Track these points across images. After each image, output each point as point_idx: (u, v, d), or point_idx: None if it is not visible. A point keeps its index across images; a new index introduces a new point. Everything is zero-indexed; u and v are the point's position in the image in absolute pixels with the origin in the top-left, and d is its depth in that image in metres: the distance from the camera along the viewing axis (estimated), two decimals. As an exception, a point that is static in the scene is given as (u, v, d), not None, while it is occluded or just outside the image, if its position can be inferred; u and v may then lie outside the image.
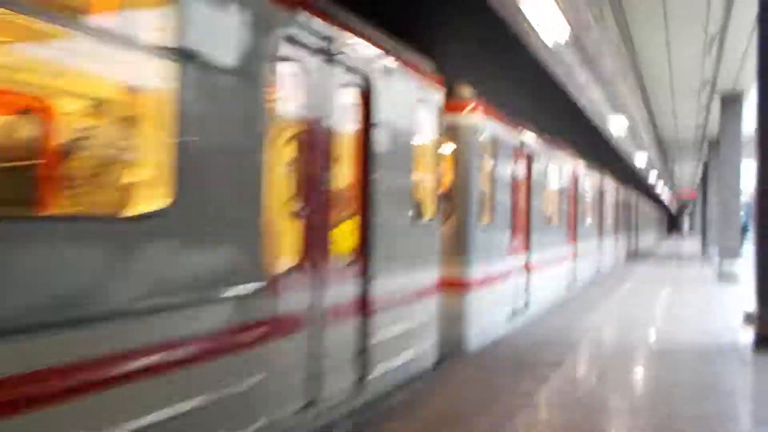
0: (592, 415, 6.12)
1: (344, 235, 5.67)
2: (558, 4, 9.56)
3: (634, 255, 34.06)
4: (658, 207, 67.19)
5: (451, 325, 8.20)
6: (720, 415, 6.10)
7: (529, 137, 11.83)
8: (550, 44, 10.56)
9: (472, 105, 9.10)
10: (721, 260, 20.17)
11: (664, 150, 36.65)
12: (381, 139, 6.07)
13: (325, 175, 5.23)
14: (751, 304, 9.54)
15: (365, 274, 5.79)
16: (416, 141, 7.00)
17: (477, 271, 8.94)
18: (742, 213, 22.01)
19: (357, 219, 5.83)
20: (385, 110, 6.10)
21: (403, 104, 6.68)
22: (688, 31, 14.69)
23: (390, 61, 6.33)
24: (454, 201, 8.79)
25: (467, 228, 8.83)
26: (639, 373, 8.12)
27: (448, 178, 8.78)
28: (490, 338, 9.41)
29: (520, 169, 11.38)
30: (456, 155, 8.93)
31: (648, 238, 50.48)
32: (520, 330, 10.46)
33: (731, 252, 20.11)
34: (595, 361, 8.86)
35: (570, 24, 10.54)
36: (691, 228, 77.49)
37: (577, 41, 10.98)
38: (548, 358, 8.28)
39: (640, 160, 29.55)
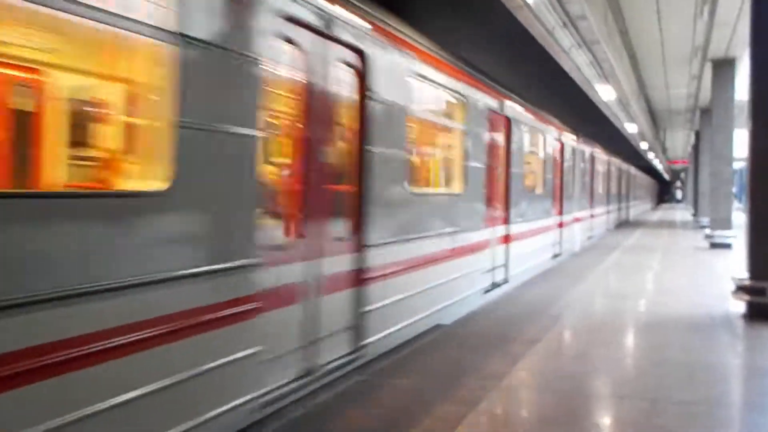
0: (566, 402, 5.62)
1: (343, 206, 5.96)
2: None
3: (625, 224, 33.75)
4: (650, 176, 66.90)
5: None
6: (709, 400, 5.59)
7: (508, 101, 11.25)
8: (530, 2, 9.94)
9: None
10: (713, 229, 19.75)
11: (655, 119, 36.14)
12: (376, 113, 6.39)
13: (322, 148, 5.52)
14: (742, 274, 9.06)
15: (361, 246, 6.11)
16: (408, 113, 7.22)
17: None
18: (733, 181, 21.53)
19: (354, 191, 6.12)
20: (380, 84, 6.42)
21: (397, 79, 6.91)
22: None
23: (383, 35, 6.59)
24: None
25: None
26: (623, 350, 7.58)
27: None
28: (466, 311, 9.11)
29: (498, 136, 10.81)
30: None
31: (640, 207, 50.28)
32: (500, 302, 9.98)
33: (723, 220, 19.70)
34: (576, 337, 8.37)
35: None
36: (684, 197, 77.23)
37: (560, 3, 10.37)
38: (525, 334, 7.78)
39: (630, 129, 28.97)
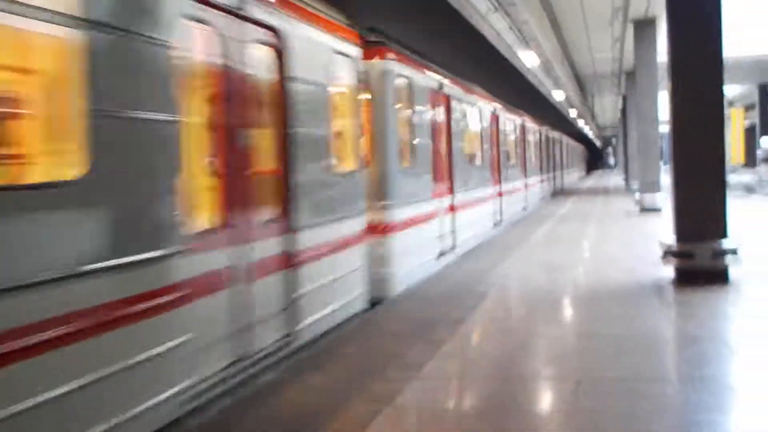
0: (487, 389, 5.24)
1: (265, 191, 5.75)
2: None
3: (560, 192, 33.94)
4: (582, 143, 67.78)
5: (377, 269, 8.27)
6: (640, 376, 5.28)
7: (446, 81, 11.78)
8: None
9: (382, 50, 8.88)
10: (642, 193, 19.78)
11: (582, 85, 36.29)
12: (297, 93, 6.13)
13: (243, 133, 5.35)
14: (670, 238, 8.83)
15: (288, 229, 5.94)
16: (333, 92, 7.11)
17: (398, 214, 8.93)
18: (661, 144, 21.61)
19: (278, 174, 5.96)
20: (299, 64, 6.15)
21: (317, 57, 6.71)
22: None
23: (301, 14, 6.35)
24: (373, 147, 8.74)
25: (386, 173, 8.78)
26: (553, 325, 7.20)
27: (367, 126, 8.61)
28: (416, 280, 9.42)
29: (439, 113, 11.39)
30: (372, 102, 8.74)
31: (574, 175, 50.81)
32: (429, 281, 9.60)
33: (652, 184, 19.73)
34: (503, 314, 8.04)
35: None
36: (616, 162, 78.52)
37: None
38: (451, 316, 7.37)
39: (557, 97, 28.93)
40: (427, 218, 10.22)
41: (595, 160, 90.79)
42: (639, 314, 7.24)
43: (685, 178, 8.65)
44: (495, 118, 16.66)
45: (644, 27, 20.01)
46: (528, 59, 17.64)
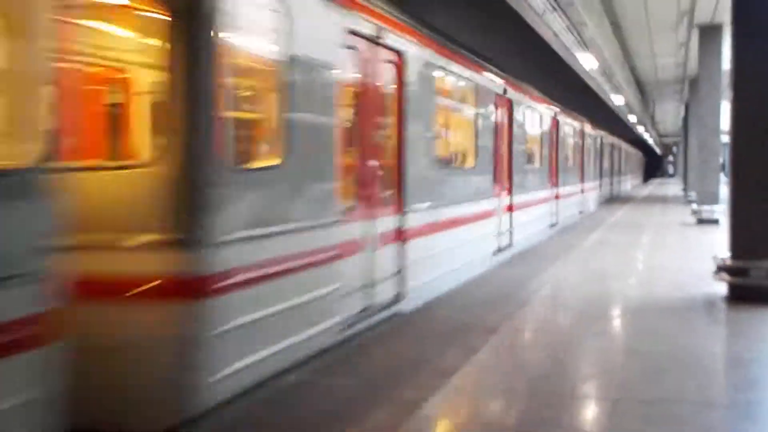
0: (516, 404, 5.02)
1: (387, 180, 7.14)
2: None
3: (616, 198, 33.22)
4: (642, 150, 66.33)
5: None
6: (686, 398, 4.98)
7: (511, 87, 12.18)
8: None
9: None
10: (700, 204, 19.14)
11: (643, 90, 35.43)
12: (410, 102, 7.48)
13: (376, 133, 6.90)
14: (724, 252, 8.44)
15: (402, 211, 7.38)
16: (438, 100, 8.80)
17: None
18: (721, 155, 20.88)
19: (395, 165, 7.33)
20: (413, 78, 7.69)
21: (424, 72, 8.04)
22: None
23: (417, 38, 7.86)
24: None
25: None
26: (595, 339, 6.89)
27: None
28: (478, 273, 10.04)
29: (503, 116, 11.83)
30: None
31: (631, 182, 49.72)
32: (474, 284, 9.40)
33: (710, 195, 19.08)
34: (544, 324, 7.77)
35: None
36: (676, 171, 76.64)
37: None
38: (487, 322, 7.14)
39: (616, 101, 28.27)
40: (487, 215, 10.77)
41: (654, 167, 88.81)
42: (686, 331, 6.91)
43: (743, 192, 8.25)
44: (554, 123, 16.75)
45: (710, 33, 19.36)
46: (586, 62, 17.17)
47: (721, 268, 8.34)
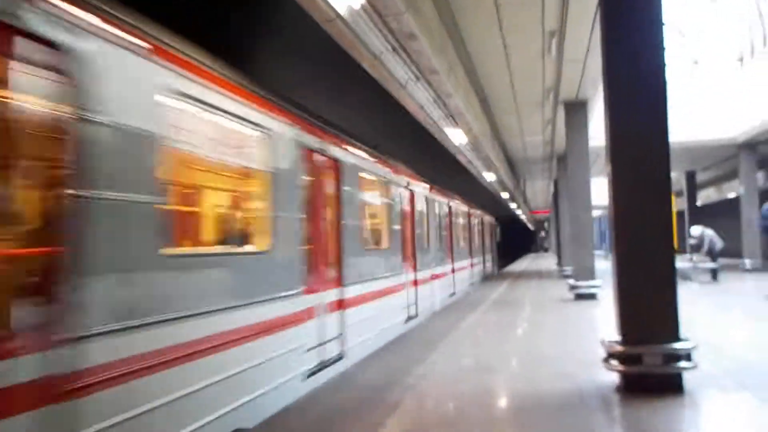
0: None
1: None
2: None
3: (491, 276, 33.04)
4: (515, 225, 67.91)
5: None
6: None
7: (338, 143, 9.81)
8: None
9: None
10: (576, 279, 18.83)
11: (514, 168, 36.01)
12: (345, 201, 9.79)
13: (324, 223, 9.10)
14: (611, 335, 7.62)
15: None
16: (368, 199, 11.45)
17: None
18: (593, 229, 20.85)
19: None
20: (346, 183, 9.93)
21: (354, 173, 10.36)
22: (525, 31, 13.16)
23: (351, 146, 9.74)
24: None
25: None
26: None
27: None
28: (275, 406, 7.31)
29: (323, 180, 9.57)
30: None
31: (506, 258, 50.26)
32: (330, 387, 8.12)
33: (586, 270, 18.82)
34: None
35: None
36: (549, 246, 78.84)
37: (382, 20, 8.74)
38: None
39: (488, 177, 28.30)
40: (293, 321, 7.58)
41: (528, 243, 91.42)
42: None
43: (629, 272, 7.49)
44: (410, 195, 14.91)
45: (575, 109, 19.46)
46: (456, 137, 16.69)
47: (611, 355, 7.50)
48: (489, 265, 34.75)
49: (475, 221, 28.31)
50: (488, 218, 35.31)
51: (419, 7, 9.17)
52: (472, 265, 26.69)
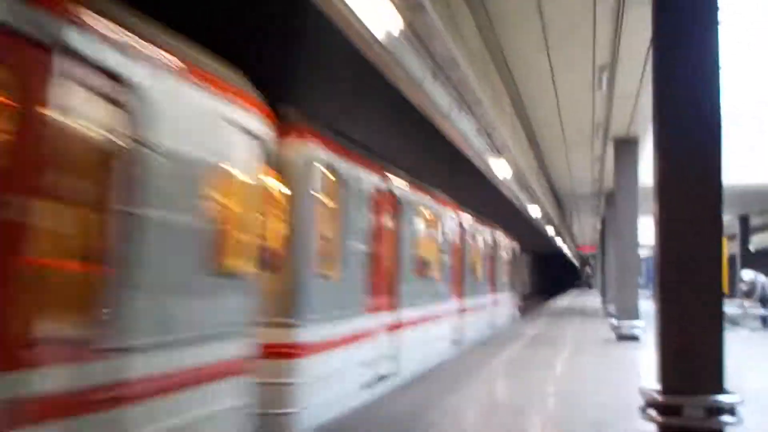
0: None
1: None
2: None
3: (531, 311, 32.50)
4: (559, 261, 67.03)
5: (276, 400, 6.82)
6: None
7: (399, 181, 10.60)
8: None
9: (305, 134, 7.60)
10: (620, 319, 18.33)
11: (561, 203, 35.54)
12: (405, 225, 10.88)
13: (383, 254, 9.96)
14: (651, 383, 7.27)
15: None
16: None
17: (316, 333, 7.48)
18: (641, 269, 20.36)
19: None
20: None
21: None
22: (575, 64, 12.97)
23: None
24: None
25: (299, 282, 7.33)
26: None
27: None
28: (337, 411, 7.84)
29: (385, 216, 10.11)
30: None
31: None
32: (353, 419, 7.92)
33: (629, 311, 18.32)
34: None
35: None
36: (594, 283, 77.51)
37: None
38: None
39: (533, 212, 27.95)
40: (355, 337, 8.86)
41: (573, 279, 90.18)
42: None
43: (672, 315, 7.15)
44: (461, 230, 15.76)
45: (625, 146, 19.11)
46: (500, 169, 16.48)
47: (649, 404, 7.14)
48: (524, 299, 34.34)
49: (519, 256, 28.01)
50: (527, 255, 34.92)
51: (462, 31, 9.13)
52: (510, 298, 26.49)
